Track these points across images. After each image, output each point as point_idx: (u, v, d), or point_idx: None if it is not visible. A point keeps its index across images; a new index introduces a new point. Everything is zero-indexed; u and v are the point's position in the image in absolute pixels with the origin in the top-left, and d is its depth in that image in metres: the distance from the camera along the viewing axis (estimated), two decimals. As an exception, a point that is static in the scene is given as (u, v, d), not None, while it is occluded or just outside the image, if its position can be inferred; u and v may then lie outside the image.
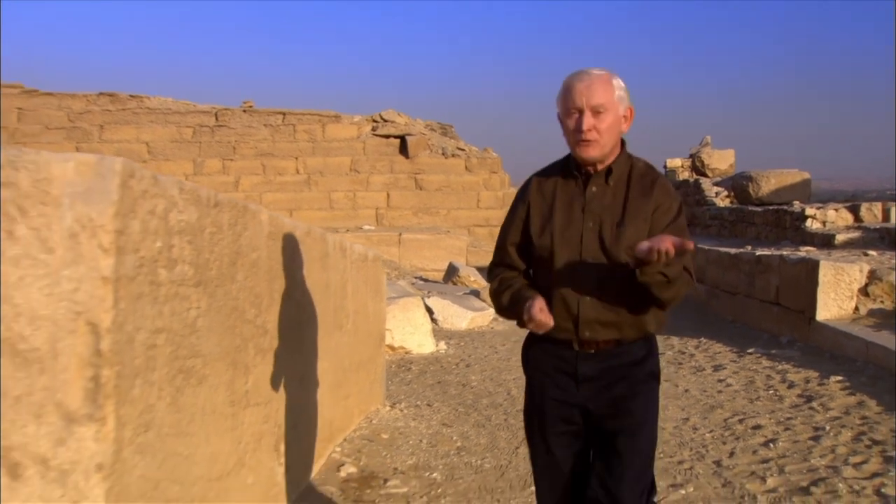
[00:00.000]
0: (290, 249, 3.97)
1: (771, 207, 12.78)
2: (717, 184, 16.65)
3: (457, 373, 7.27)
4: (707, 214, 15.37)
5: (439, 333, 8.90)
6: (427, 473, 4.45)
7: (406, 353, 7.79)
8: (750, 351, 7.93)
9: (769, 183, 14.13)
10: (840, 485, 4.25)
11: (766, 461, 4.69)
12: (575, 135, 2.52)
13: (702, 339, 8.82)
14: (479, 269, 14.39)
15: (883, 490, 4.15)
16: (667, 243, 2.31)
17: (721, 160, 18.18)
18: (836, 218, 11.34)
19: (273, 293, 3.71)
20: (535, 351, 2.71)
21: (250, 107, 21.80)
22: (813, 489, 4.22)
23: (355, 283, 5.24)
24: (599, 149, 2.52)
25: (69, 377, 2.34)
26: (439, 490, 4.21)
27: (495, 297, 2.73)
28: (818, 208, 11.59)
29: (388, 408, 5.72)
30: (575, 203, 2.59)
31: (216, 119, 21.42)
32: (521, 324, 2.57)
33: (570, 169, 2.64)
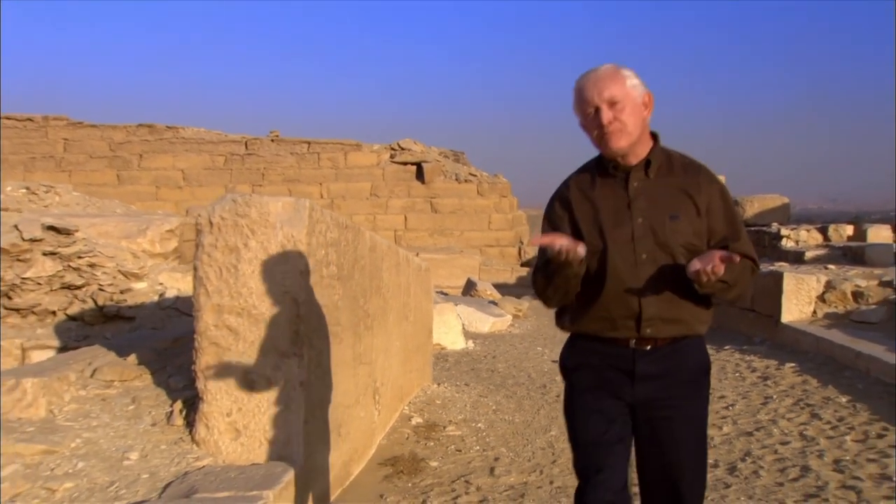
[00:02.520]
0: (381, 258, 5.60)
1: (753, 228, 14.41)
2: (708, 207, 18.23)
3: (485, 363, 8.89)
4: (699, 235, 16.95)
5: (465, 335, 10.51)
6: (474, 424, 6.05)
7: (442, 348, 9.40)
8: (726, 348, 9.54)
9: (753, 206, 15.78)
10: (775, 430, 5.87)
11: (724, 417, 6.30)
12: (598, 130, 2.47)
13: (688, 340, 10.40)
14: (494, 285, 16.02)
15: (805, 432, 5.76)
16: (715, 261, 2.31)
17: (713, 185, 19.75)
18: (807, 237, 12.97)
19: (371, 288, 5.32)
20: (581, 350, 2.65)
21: (277, 136, 23.47)
22: (755, 433, 5.83)
23: (415, 286, 6.89)
24: (626, 137, 2.47)
25: (281, 330, 3.95)
26: (484, 433, 5.82)
27: (535, 283, 2.65)
28: (792, 229, 13.22)
29: (435, 385, 7.32)
30: (619, 200, 2.53)
31: (246, 148, 23.12)
32: (557, 271, 2.46)
33: (606, 167, 2.58)
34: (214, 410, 3.97)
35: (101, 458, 3.79)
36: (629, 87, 2.47)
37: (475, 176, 23.06)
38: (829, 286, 9.67)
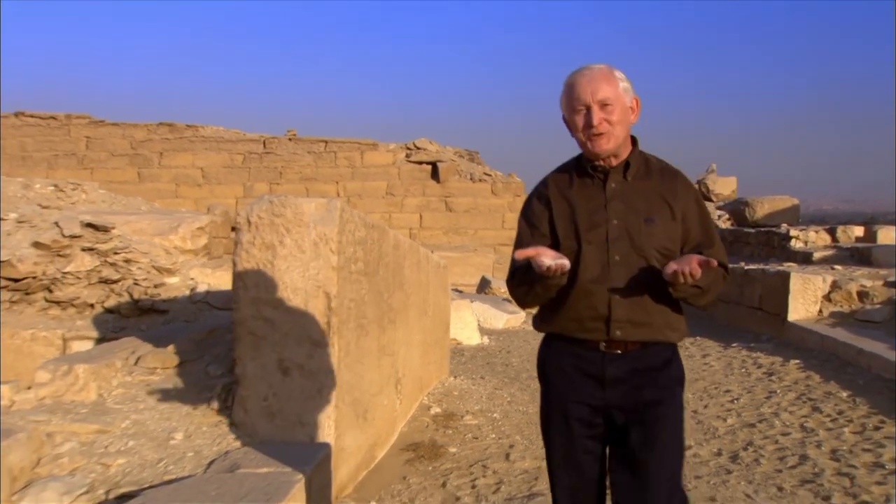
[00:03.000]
0: (403, 256, 5.91)
1: (763, 229, 14.68)
2: (720, 208, 18.56)
3: (500, 357, 9.21)
4: (710, 235, 17.27)
5: (480, 331, 10.83)
6: (490, 413, 6.36)
7: (458, 343, 9.72)
8: (734, 345, 9.82)
9: (763, 208, 16.04)
10: (776, 422, 6.15)
11: (729, 410, 6.59)
12: (586, 130, 2.49)
13: (697, 337, 10.68)
14: (508, 283, 16.36)
15: (805, 424, 6.05)
16: (693, 264, 2.31)
17: (724, 186, 20.10)
18: (815, 238, 13.22)
19: (395, 284, 5.63)
20: (555, 351, 2.66)
21: (294, 135, 23.83)
22: (758, 424, 6.12)
23: (434, 282, 7.21)
24: (613, 140, 2.48)
25: (314, 321, 4.27)
26: (499, 423, 6.13)
27: (513, 286, 2.65)
28: (801, 230, 13.48)
29: (452, 378, 7.64)
30: (596, 201, 2.54)
31: (264, 146, 23.47)
32: (540, 280, 2.44)
33: (584, 168, 2.59)
34: (252, 395, 4.29)
35: (149, 438, 4.13)
36: (621, 90, 2.50)
37: (489, 175, 23.34)
38: (834, 286, 9.94)
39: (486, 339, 10.32)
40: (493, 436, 5.78)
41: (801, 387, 7.29)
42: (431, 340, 7.03)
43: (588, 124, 2.47)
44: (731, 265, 2.82)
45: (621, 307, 2.49)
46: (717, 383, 7.63)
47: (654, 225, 2.51)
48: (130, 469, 3.88)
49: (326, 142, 23.54)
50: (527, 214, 2.70)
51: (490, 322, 11.56)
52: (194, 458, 3.99)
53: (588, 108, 2.47)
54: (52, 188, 12.59)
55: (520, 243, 2.61)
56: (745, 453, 5.42)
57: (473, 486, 4.67)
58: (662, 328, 2.55)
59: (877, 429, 5.80)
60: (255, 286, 4.31)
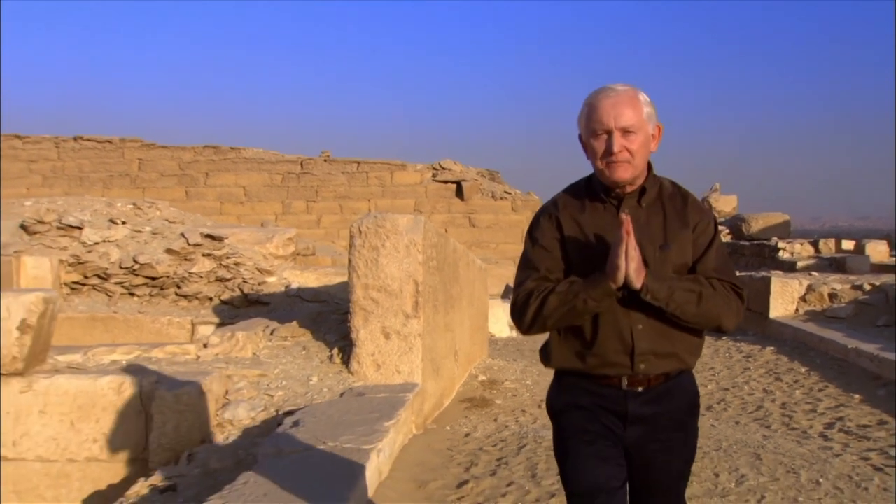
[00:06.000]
0: (459, 258, 7.77)
1: (756, 242, 16.51)
2: (721, 223, 20.36)
3: (528, 345, 11.05)
4: (712, 248, 19.16)
5: (509, 326, 12.68)
6: (524, 381, 8.20)
7: (492, 335, 11.57)
8: (723, 337, 11.63)
9: (757, 223, 17.85)
10: (745, 387, 7.98)
11: (710, 380, 8.41)
12: (605, 157, 2.36)
13: (694, 333, 12.48)
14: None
15: (767, 388, 7.86)
16: (630, 250, 2.22)
17: (726, 204, 21.94)
18: (800, 250, 15.04)
19: (453, 278, 7.48)
20: (569, 387, 2.54)
21: (328, 156, 25.78)
22: (731, 388, 7.94)
23: (478, 280, 9.08)
24: (632, 169, 2.37)
25: (407, 300, 6.12)
26: (531, 387, 7.96)
27: (535, 303, 2.40)
28: (788, 243, 15.31)
29: (491, 359, 9.49)
30: (609, 228, 2.38)
31: (301, 167, 25.43)
32: (592, 292, 2.30)
33: (597, 192, 2.46)
34: (363, 352, 6.14)
35: (294, 380, 5.99)
36: (645, 117, 2.38)
37: (509, 193, 25.21)
38: (809, 289, 11.74)
39: (514, 333, 12.18)
40: (528, 395, 7.61)
41: (771, 365, 9.10)
42: (476, 326, 8.88)
43: (608, 151, 2.35)
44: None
45: (644, 338, 2.37)
46: (704, 363, 9.44)
47: (668, 251, 2.40)
48: (287, 398, 5.75)
49: (359, 163, 25.47)
50: (535, 235, 2.53)
51: (516, 321, 13.41)
52: (328, 392, 5.85)
53: (609, 134, 2.34)
54: (132, 206, 14.53)
55: (528, 265, 2.51)
56: (717, 405, 7.24)
57: (517, 421, 6.50)
58: (684, 356, 2.45)
59: (820, 391, 7.61)
60: (364, 275, 6.17)
